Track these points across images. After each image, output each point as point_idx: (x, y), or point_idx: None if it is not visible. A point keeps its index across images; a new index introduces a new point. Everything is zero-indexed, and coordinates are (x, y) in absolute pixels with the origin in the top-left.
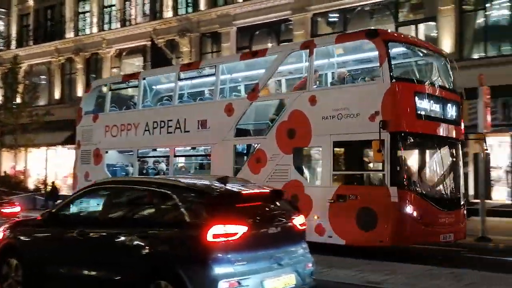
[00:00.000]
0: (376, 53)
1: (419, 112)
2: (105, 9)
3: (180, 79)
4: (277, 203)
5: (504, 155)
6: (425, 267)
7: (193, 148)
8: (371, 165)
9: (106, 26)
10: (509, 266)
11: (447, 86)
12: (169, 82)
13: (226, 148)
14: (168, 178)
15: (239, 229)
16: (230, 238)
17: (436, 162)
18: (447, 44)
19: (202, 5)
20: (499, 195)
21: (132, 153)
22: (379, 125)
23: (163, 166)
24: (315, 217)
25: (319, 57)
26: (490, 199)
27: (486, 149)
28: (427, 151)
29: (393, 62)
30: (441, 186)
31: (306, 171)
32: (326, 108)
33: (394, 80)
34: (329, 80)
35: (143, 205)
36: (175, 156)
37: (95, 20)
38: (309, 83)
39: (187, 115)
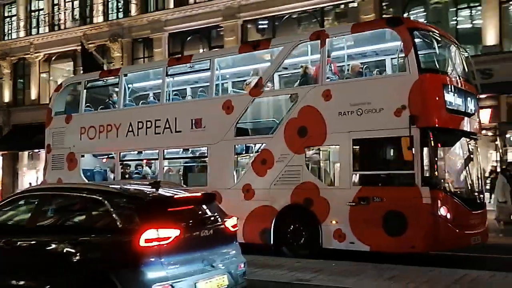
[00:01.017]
0: (399, 42)
1: (448, 106)
2: (32, 14)
3: (168, 75)
4: (209, 206)
5: None
6: (351, 263)
7: (186, 150)
8: (398, 164)
9: (34, 31)
10: (434, 259)
11: (468, 78)
12: (154, 79)
13: (225, 149)
14: (100, 183)
15: (172, 233)
16: (162, 242)
17: (463, 159)
18: None
19: (133, 11)
20: None
21: (113, 156)
22: (409, 121)
23: (147, 169)
24: (333, 222)
25: (332, 49)
26: None
27: None
28: (455, 148)
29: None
30: (468, 185)
31: (321, 172)
32: (343, 103)
33: (422, 72)
34: (344, 73)
35: (74, 212)
36: (165, 158)
37: (22, 24)
38: (322, 77)
39: (178, 113)
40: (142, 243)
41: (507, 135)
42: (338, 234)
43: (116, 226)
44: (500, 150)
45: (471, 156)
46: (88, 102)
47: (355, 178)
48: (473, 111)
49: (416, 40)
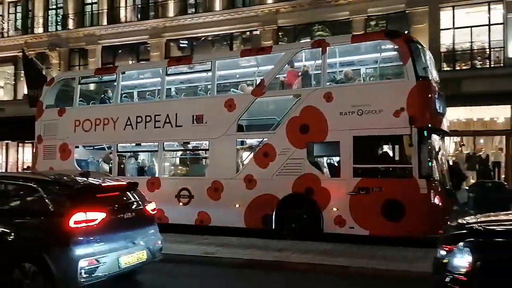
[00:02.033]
0: (396, 52)
1: (436, 108)
2: None
3: (167, 74)
4: (132, 193)
5: None
6: (249, 239)
7: (187, 143)
8: (396, 158)
9: None
10: None
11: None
12: (152, 77)
13: (227, 143)
14: (35, 173)
15: (99, 216)
16: (90, 224)
17: (442, 154)
18: None
19: (70, 25)
20: None
21: (109, 148)
22: (408, 121)
23: (145, 161)
24: (334, 209)
25: (331, 56)
26: None
27: None
28: (439, 145)
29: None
30: (446, 177)
31: (322, 165)
32: (344, 105)
33: (418, 79)
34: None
35: (11, 197)
36: (165, 150)
37: None
38: (323, 80)
39: (179, 110)
40: (71, 224)
41: None
42: (339, 220)
43: (49, 210)
44: None
45: (446, 151)
46: (81, 96)
47: (355, 170)
48: (445, 112)
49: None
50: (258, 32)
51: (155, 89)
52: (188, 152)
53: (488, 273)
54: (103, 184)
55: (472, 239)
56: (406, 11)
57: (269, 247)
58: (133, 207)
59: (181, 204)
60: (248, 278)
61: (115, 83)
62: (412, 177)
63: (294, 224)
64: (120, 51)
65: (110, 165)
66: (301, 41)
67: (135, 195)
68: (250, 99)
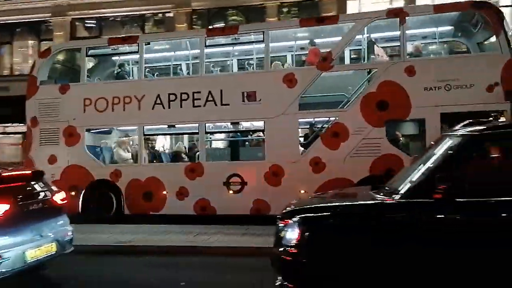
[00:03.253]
0: (485, 24)
1: None
2: None
3: (207, 46)
4: (39, 183)
5: None
6: (162, 226)
7: (235, 123)
8: None
9: None
10: None
11: None
12: (184, 49)
13: (287, 122)
14: None
15: (1, 208)
16: None
17: None
18: None
19: None
20: None
21: (133, 130)
22: (504, 96)
23: (180, 145)
24: None
25: (411, 27)
26: None
27: None
28: None
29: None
30: None
31: (404, 144)
32: (429, 79)
33: (508, 51)
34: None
35: None
36: (207, 133)
37: None
38: (403, 53)
39: (225, 86)
40: None
41: None
42: None
43: None
44: None
45: None
46: (90, 71)
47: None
48: None
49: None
50: (171, 15)
51: (188, 63)
52: (237, 133)
53: (312, 243)
54: (3, 174)
55: (301, 214)
56: (316, 0)
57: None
58: (40, 197)
59: (231, 192)
60: (160, 264)
61: (137, 55)
62: None
63: None
64: (18, 30)
65: (126, 151)
66: (374, 11)
67: (41, 185)
68: (314, 73)
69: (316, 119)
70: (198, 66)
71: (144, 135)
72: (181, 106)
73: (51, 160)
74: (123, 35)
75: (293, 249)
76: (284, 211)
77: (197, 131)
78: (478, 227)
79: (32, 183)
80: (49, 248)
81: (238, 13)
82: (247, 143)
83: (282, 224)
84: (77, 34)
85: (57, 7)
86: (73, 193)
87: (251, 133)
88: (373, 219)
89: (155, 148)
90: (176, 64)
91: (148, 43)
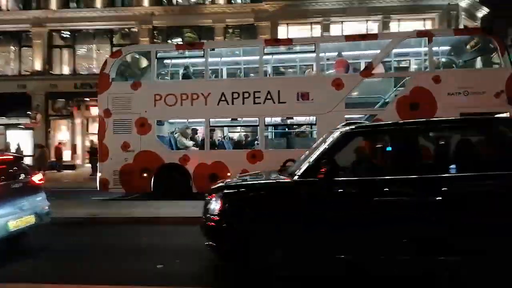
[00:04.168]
0: (492, 46)
1: None
2: None
3: (265, 53)
4: (19, 165)
5: None
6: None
7: (290, 118)
8: None
9: None
10: None
11: None
12: (245, 55)
13: (335, 118)
14: None
15: None
16: None
17: None
18: None
19: None
20: None
21: (200, 122)
22: (507, 101)
23: (241, 135)
24: None
25: (434, 45)
26: None
27: None
28: None
29: None
30: None
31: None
32: (451, 86)
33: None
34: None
35: None
36: (266, 125)
37: None
38: (431, 65)
39: (282, 87)
40: None
41: None
42: None
43: None
44: None
45: None
46: (158, 71)
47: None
48: None
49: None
50: (136, 29)
51: (247, 67)
52: (293, 126)
53: (230, 212)
54: None
55: (224, 190)
56: (255, 24)
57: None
58: (20, 178)
59: None
60: (120, 232)
61: (203, 59)
62: None
63: None
64: (1, 37)
65: (188, 139)
66: (406, 31)
67: (21, 167)
68: (358, 79)
69: (359, 116)
70: (257, 70)
71: (210, 126)
72: (243, 103)
73: (124, 146)
74: (190, 42)
75: (216, 217)
76: (211, 187)
77: (257, 124)
78: (348, 197)
79: (13, 166)
80: (29, 219)
81: (192, 31)
82: (301, 134)
83: (209, 198)
84: (53, 43)
85: (36, 19)
86: (145, 174)
87: (305, 126)
88: (276, 192)
89: (219, 137)
90: (237, 68)
91: (213, 49)
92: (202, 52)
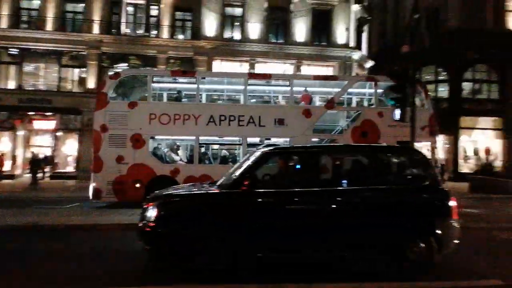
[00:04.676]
0: (419, 92)
1: None
2: None
3: (248, 84)
4: None
5: None
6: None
7: (268, 139)
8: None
9: None
10: None
11: None
12: (230, 84)
13: (305, 140)
14: None
15: None
16: None
17: None
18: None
19: None
20: None
21: (189, 140)
22: (429, 133)
23: (224, 151)
24: None
25: (379, 88)
26: None
27: None
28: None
29: None
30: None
31: None
32: (390, 120)
33: (432, 109)
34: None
35: None
36: (248, 144)
37: None
38: (376, 103)
39: (262, 113)
40: None
41: None
42: None
43: None
44: None
45: None
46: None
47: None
48: None
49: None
50: (85, 53)
51: (232, 94)
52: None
53: (164, 219)
54: None
55: (160, 200)
56: (193, 58)
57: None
58: None
59: None
60: (55, 239)
61: (194, 86)
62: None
63: None
64: None
65: (176, 154)
66: (358, 75)
67: None
68: (323, 110)
69: (323, 139)
70: (241, 97)
71: (199, 143)
72: (229, 125)
73: (118, 159)
74: (183, 70)
75: (152, 223)
76: (148, 197)
77: (241, 143)
78: (265, 205)
79: None
80: None
81: (137, 59)
82: None
83: (146, 206)
84: (1, 59)
85: None
86: (137, 185)
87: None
88: (206, 201)
89: (206, 153)
90: (222, 94)
91: (204, 78)
92: (195, 79)
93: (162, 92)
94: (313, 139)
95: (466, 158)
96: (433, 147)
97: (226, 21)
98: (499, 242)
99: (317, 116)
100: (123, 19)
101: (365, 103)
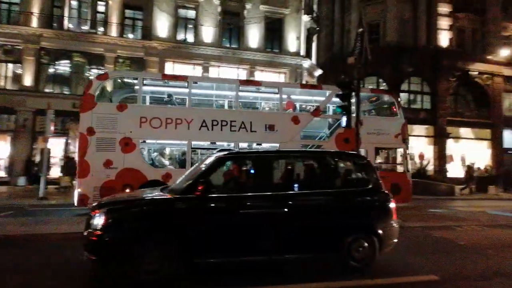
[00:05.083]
0: (393, 103)
1: None
2: None
3: (240, 90)
4: None
5: None
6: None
7: (258, 144)
8: (395, 161)
9: None
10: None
11: None
12: (222, 90)
13: (294, 146)
14: None
15: None
16: None
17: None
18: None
19: None
20: None
21: (181, 144)
22: (401, 140)
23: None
24: None
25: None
26: None
27: None
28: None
29: None
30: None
31: None
32: (369, 128)
33: (403, 117)
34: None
35: None
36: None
37: None
38: (356, 112)
39: (253, 119)
40: None
41: None
42: None
43: None
44: None
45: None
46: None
47: (376, 167)
48: None
49: None
50: (21, 47)
51: (223, 100)
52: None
53: (112, 227)
54: None
55: (107, 207)
56: (144, 58)
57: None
58: None
59: None
60: None
61: (186, 90)
62: (404, 171)
63: None
64: None
65: (165, 158)
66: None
67: None
68: (310, 117)
69: (310, 145)
70: (233, 103)
71: (192, 148)
72: (221, 130)
73: (106, 163)
74: (175, 74)
75: (99, 231)
76: (94, 204)
77: (233, 148)
78: (219, 210)
79: None
80: None
81: (82, 56)
82: None
83: (92, 214)
84: None
85: None
86: (127, 190)
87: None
88: (158, 207)
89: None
90: (216, 99)
91: (196, 82)
92: (186, 83)
93: (152, 95)
94: (302, 143)
95: None
96: (406, 152)
97: (179, 22)
98: (433, 240)
99: (305, 123)
100: (66, 13)
101: None
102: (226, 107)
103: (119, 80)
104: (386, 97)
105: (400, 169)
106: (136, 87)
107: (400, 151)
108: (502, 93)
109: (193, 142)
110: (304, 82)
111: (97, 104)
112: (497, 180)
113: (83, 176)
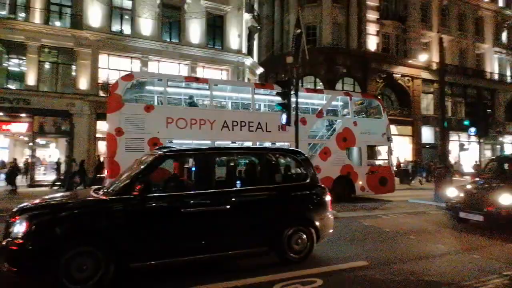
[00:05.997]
0: (379, 106)
1: None
2: None
3: (255, 93)
4: None
5: None
6: None
7: (273, 143)
8: (383, 157)
9: None
10: None
11: None
12: (239, 92)
13: (303, 145)
14: None
15: None
16: None
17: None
18: None
19: None
20: None
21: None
22: (387, 138)
23: None
24: (360, 182)
25: (353, 101)
26: None
27: None
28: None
29: None
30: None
31: (354, 159)
32: (362, 128)
33: (386, 118)
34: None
35: None
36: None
37: None
38: (351, 114)
39: (269, 120)
40: None
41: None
42: (361, 187)
43: None
44: None
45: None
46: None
47: (368, 163)
48: None
49: None
50: None
51: (241, 102)
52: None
53: (35, 234)
54: None
55: (29, 212)
56: (75, 49)
57: None
58: None
59: None
60: None
61: (207, 92)
62: (388, 165)
63: (341, 190)
64: None
65: None
66: (339, 90)
67: None
68: (315, 119)
69: (316, 143)
70: (250, 105)
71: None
72: (240, 130)
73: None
74: (196, 77)
75: (20, 240)
76: (14, 210)
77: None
78: (159, 209)
79: None
80: None
81: (1, 45)
82: None
83: (12, 221)
84: None
85: None
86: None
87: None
88: (91, 210)
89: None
90: (234, 101)
91: (216, 85)
92: (208, 85)
93: (175, 96)
94: (309, 143)
95: None
96: (390, 149)
97: (114, 12)
98: (363, 228)
99: (311, 124)
100: None
101: (344, 114)
102: (240, 108)
103: (144, 81)
104: (373, 101)
105: (386, 164)
106: (160, 88)
107: (385, 148)
108: (420, 94)
109: (216, 142)
110: (246, 80)
111: (124, 105)
112: (421, 172)
113: (114, 176)
